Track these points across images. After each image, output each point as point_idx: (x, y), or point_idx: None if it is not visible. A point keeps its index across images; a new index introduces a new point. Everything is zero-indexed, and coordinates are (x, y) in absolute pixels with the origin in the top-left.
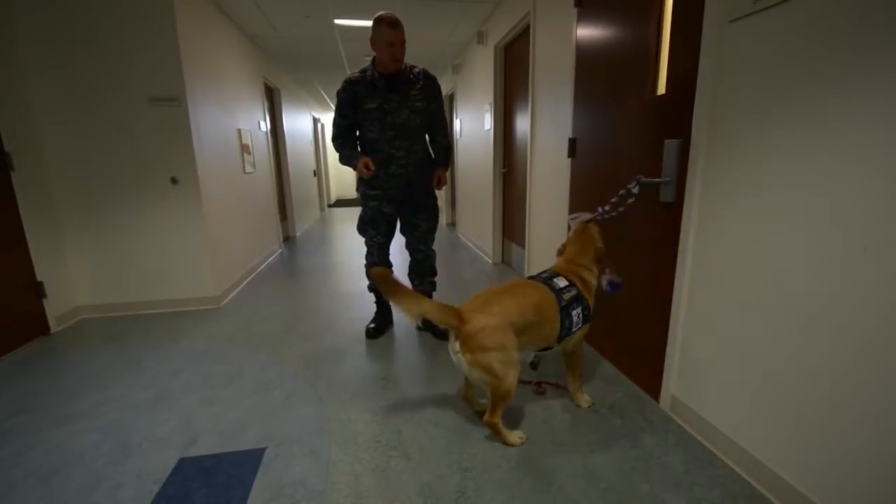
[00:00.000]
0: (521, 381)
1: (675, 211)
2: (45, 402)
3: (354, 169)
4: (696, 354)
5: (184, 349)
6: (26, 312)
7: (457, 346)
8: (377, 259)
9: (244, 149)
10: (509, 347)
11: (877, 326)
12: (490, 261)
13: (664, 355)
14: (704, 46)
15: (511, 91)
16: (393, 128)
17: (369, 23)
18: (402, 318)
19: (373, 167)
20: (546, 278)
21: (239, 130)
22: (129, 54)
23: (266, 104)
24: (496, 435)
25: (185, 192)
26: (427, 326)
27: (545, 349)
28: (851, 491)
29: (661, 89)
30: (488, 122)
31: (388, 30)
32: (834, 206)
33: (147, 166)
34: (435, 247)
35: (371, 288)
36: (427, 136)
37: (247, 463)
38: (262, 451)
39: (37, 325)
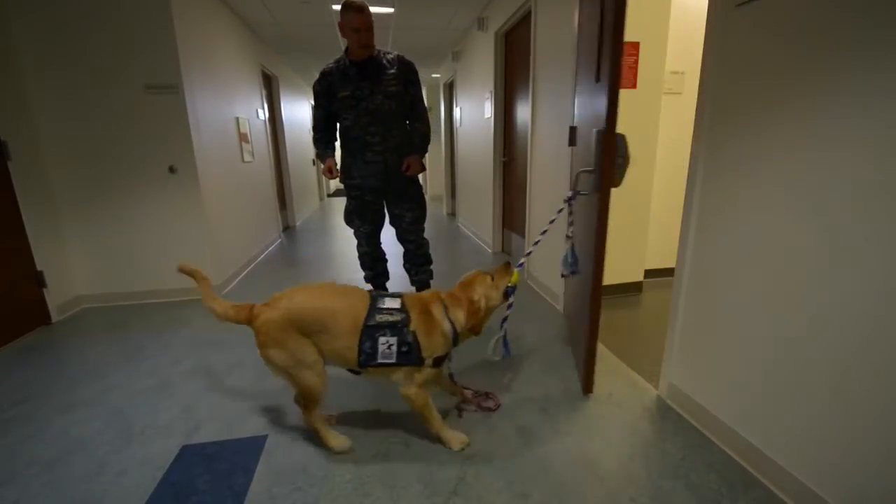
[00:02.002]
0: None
1: None
2: (47, 390)
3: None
4: (696, 343)
5: (185, 338)
6: (27, 302)
7: None
8: (367, 248)
9: (242, 137)
10: (292, 346)
11: (878, 316)
12: (490, 250)
13: (663, 344)
14: (709, 32)
15: (512, 79)
16: (367, 114)
17: None
18: None
19: (336, 172)
20: (378, 294)
21: (237, 119)
22: (125, 41)
23: (264, 92)
24: (316, 437)
25: (183, 181)
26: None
27: (354, 371)
28: (849, 477)
29: None
30: (488, 110)
31: (355, 15)
32: (835, 197)
33: (145, 155)
34: (433, 236)
35: (367, 279)
36: (407, 123)
37: (249, 450)
38: (263, 437)
39: (38, 315)
